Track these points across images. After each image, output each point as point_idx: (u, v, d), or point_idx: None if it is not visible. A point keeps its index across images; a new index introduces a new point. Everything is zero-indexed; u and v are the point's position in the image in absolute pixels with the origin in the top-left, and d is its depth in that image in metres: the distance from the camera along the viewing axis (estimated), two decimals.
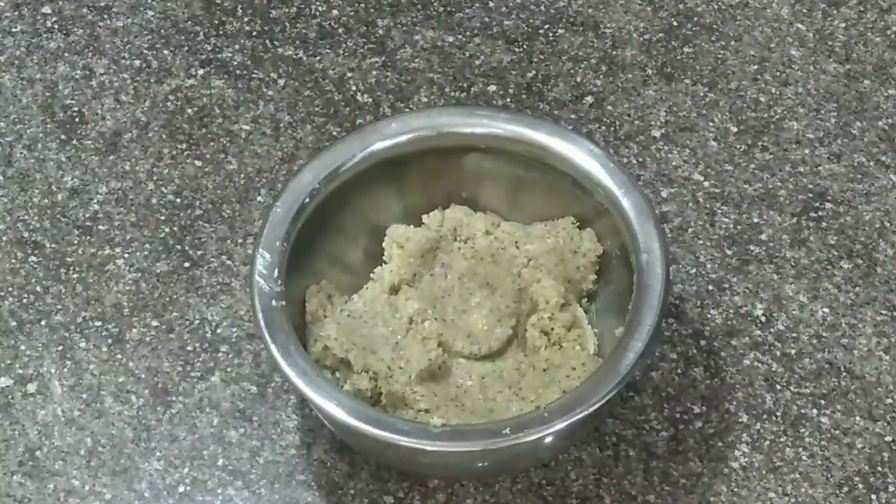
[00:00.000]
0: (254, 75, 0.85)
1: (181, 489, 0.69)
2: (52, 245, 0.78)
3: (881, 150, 0.82)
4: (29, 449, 0.71)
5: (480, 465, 0.65)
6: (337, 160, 0.70)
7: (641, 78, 0.85)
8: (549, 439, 0.61)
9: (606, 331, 0.69)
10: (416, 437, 0.61)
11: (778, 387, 0.72)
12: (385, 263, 0.72)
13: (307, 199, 0.69)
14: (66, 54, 0.86)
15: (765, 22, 0.88)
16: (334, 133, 0.82)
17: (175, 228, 0.79)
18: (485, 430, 0.61)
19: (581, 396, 0.61)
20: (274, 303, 0.65)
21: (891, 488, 0.69)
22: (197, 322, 0.75)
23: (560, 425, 0.60)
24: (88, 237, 0.78)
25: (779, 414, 0.71)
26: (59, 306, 0.76)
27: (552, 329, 0.68)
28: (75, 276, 0.77)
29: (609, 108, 0.84)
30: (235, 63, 0.86)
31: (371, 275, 0.72)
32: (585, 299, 0.71)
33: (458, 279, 0.70)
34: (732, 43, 0.87)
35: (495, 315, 0.69)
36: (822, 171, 0.81)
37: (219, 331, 0.75)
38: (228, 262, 0.77)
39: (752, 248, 0.78)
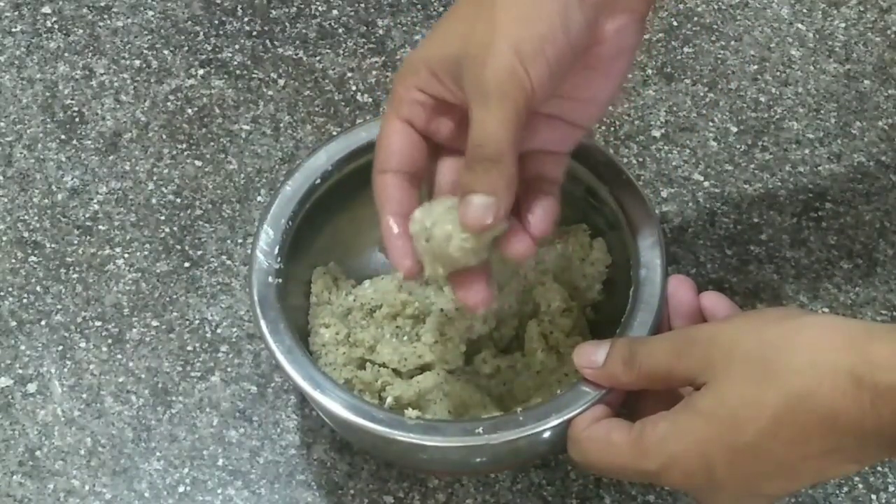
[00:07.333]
0: (254, 75, 0.85)
1: (181, 489, 0.69)
2: (52, 245, 0.78)
3: (881, 150, 0.82)
4: (29, 449, 0.71)
5: (454, 459, 0.65)
6: (353, 144, 0.69)
7: (641, 78, 0.85)
8: (523, 443, 0.61)
9: None
10: (390, 427, 0.60)
11: None
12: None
13: (318, 181, 0.68)
14: (66, 54, 0.86)
15: (765, 22, 0.88)
16: (334, 133, 0.82)
17: (175, 228, 0.79)
18: (458, 428, 0.60)
19: (559, 404, 0.60)
20: (270, 279, 0.64)
21: (891, 488, 0.69)
22: (197, 322, 0.75)
23: (533, 430, 0.60)
24: (88, 237, 0.78)
25: None
26: (59, 306, 0.76)
27: (551, 332, 0.68)
28: (75, 276, 0.77)
29: (609, 108, 0.83)
30: (235, 63, 0.86)
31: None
32: (591, 308, 0.70)
33: None
34: (732, 43, 0.87)
35: (499, 315, 0.69)
36: (822, 171, 0.81)
37: (219, 331, 0.75)
38: (228, 262, 0.77)
39: (752, 248, 0.78)
